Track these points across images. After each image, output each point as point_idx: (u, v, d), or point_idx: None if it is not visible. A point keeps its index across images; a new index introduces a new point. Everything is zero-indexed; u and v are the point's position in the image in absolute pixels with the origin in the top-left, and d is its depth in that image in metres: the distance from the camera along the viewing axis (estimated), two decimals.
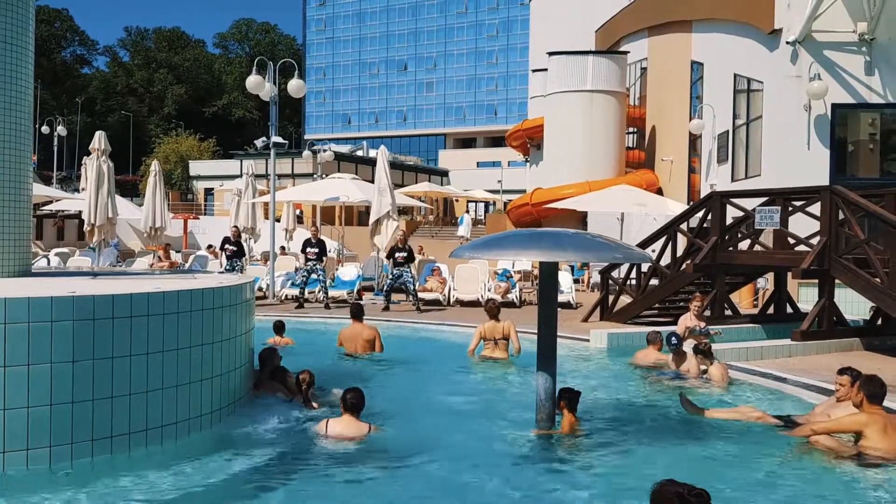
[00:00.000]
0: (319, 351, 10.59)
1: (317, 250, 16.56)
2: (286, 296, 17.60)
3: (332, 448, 6.23)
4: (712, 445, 6.64)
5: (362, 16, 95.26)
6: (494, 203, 56.24)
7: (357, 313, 10.76)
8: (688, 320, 11.20)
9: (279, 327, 10.88)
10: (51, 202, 29.60)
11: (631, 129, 31.53)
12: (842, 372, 6.84)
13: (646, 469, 5.90)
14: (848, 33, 18.03)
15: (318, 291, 16.88)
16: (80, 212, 22.32)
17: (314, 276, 16.54)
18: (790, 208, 12.32)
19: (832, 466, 5.95)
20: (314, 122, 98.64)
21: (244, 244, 19.81)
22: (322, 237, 17.34)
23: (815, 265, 11.08)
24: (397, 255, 16.25)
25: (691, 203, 21.34)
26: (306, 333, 12.34)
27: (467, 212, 51.11)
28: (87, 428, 5.48)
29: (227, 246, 17.62)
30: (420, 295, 17.30)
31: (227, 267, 17.31)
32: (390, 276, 16.46)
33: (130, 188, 65.05)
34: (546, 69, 30.58)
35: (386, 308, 15.87)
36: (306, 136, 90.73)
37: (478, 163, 79.70)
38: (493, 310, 10.42)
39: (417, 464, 6.00)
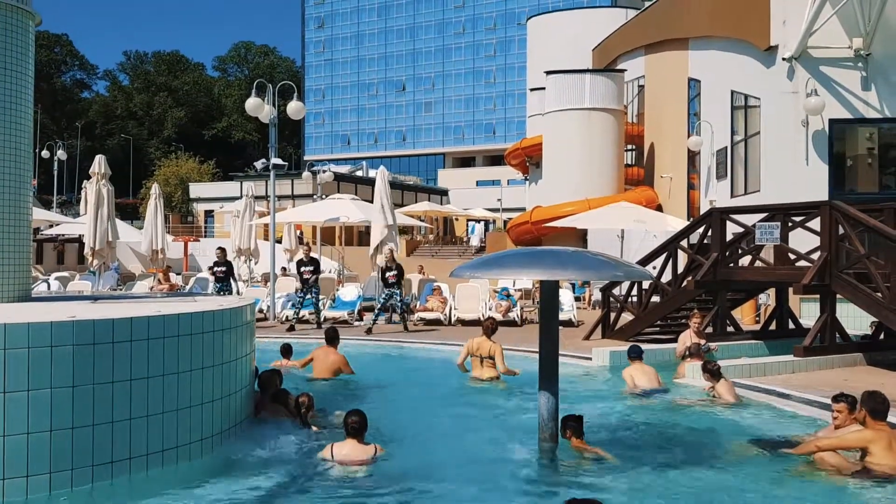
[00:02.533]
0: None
1: (311, 268, 16.50)
2: (287, 317, 17.55)
3: (339, 472, 6.18)
4: (716, 463, 6.59)
5: (360, 37, 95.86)
6: (494, 221, 56.36)
7: (332, 338, 10.64)
8: (688, 338, 11.18)
9: (286, 350, 10.81)
10: (51, 226, 29.64)
11: (629, 147, 31.63)
12: (837, 399, 6.68)
13: (653, 487, 5.86)
14: (844, 49, 18.12)
15: (311, 314, 16.77)
16: (81, 235, 22.37)
17: (309, 297, 16.45)
18: (790, 224, 12.32)
19: (837, 483, 5.91)
20: (313, 143, 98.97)
21: (234, 265, 19.54)
22: (314, 255, 17.22)
23: (816, 280, 11.06)
24: (388, 274, 16.17)
25: (691, 219, 21.35)
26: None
27: (478, 222, 52.19)
28: (87, 453, 5.45)
29: (215, 269, 17.53)
30: (421, 314, 17.26)
31: (215, 290, 17.19)
32: (382, 297, 16.32)
33: (131, 211, 65.17)
34: (544, 88, 30.72)
35: (369, 331, 15.53)
36: (306, 157, 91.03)
37: (477, 181, 79.83)
38: (489, 327, 10.38)
39: (426, 486, 5.95)
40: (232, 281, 17.63)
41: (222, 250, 18.13)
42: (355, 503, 5.63)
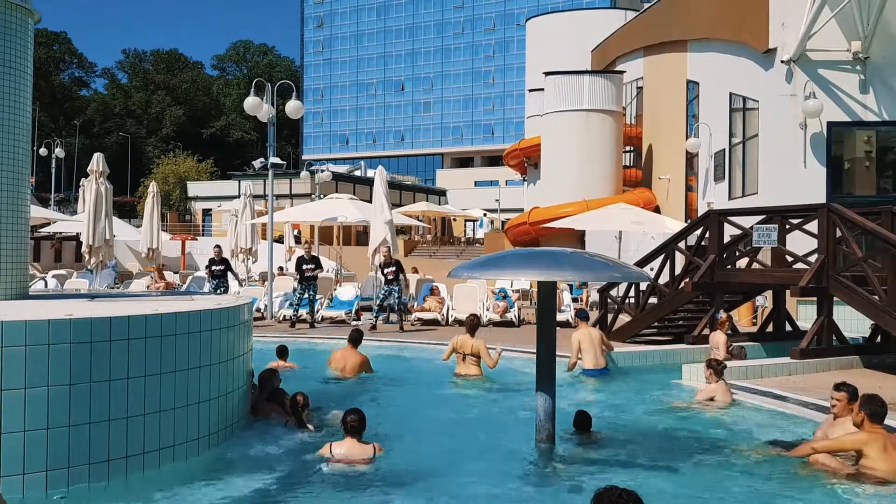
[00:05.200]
0: (317, 372, 10.55)
1: (312, 265, 16.52)
2: (284, 316, 17.54)
3: (338, 471, 6.18)
4: (712, 464, 6.60)
5: (359, 37, 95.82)
6: (493, 222, 56.40)
7: (355, 339, 10.83)
8: (721, 339, 11.31)
9: (282, 351, 10.80)
10: (48, 224, 29.57)
11: (628, 148, 31.64)
12: (838, 388, 6.74)
13: (648, 488, 5.86)
14: (842, 52, 18.16)
15: (307, 313, 16.78)
16: (78, 234, 22.33)
17: (307, 295, 16.45)
18: (787, 226, 12.33)
19: (832, 486, 5.92)
20: (312, 142, 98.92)
21: (233, 264, 19.73)
22: (314, 254, 17.25)
23: (813, 283, 11.07)
24: (386, 270, 16.21)
25: (689, 221, 21.37)
26: (304, 354, 12.27)
27: (484, 215, 52.81)
28: (83, 452, 5.44)
29: (213, 267, 17.62)
30: (418, 314, 17.25)
31: (212, 288, 17.29)
32: (380, 294, 16.39)
33: (129, 209, 65.08)
34: (542, 89, 30.73)
35: (373, 327, 15.69)
36: (304, 157, 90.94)
37: (475, 182, 79.90)
38: (470, 325, 10.37)
39: (424, 485, 5.96)
40: (231, 277, 17.77)
41: (219, 248, 18.22)
42: (353, 502, 5.62)
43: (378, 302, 16.38)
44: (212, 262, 17.79)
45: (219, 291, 17.01)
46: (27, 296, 7.61)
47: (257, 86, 18.07)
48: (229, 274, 18.15)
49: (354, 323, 17.00)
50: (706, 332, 12.88)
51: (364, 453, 6.32)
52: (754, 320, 16.73)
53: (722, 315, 11.89)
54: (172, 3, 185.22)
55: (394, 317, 16.67)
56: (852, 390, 6.64)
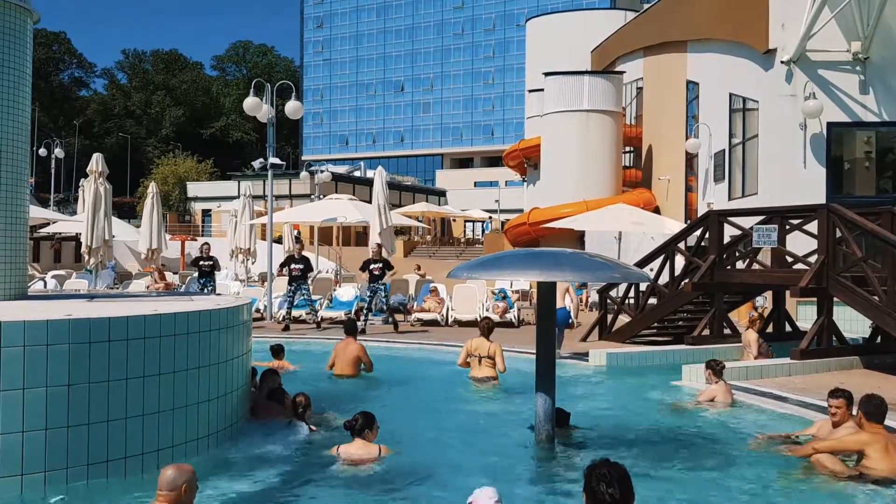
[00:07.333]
0: (315, 372, 10.54)
1: (301, 266, 16.43)
2: (283, 317, 17.52)
3: (342, 471, 6.18)
4: (712, 465, 6.60)
5: (359, 37, 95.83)
6: (491, 220, 56.47)
7: (350, 328, 10.97)
8: (753, 338, 11.41)
9: (278, 350, 10.80)
10: (48, 224, 29.55)
11: (627, 149, 31.62)
12: (834, 395, 6.67)
13: (648, 488, 5.86)
14: (842, 52, 18.15)
15: (307, 314, 16.73)
16: (78, 234, 22.33)
17: (300, 295, 16.35)
18: (787, 226, 12.33)
19: (833, 486, 5.91)
20: (312, 143, 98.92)
21: (233, 265, 19.76)
22: (305, 254, 17.17)
23: (813, 283, 11.06)
24: (373, 266, 16.03)
25: (689, 222, 21.35)
26: (304, 355, 12.27)
27: (490, 218, 53.02)
28: (82, 453, 5.44)
29: (201, 263, 17.63)
30: (418, 315, 17.24)
31: (199, 288, 17.30)
32: (367, 294, 16.24)
33: (128, 210, 65.03)
34: (542, 89, 30.72)
35: (362, 331, 15.52)
36: (304, 157, 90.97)
37: (475, 182, 79.93)
38: (485, 328, 10.38)
39: (428, 486, 5.96)
40: (219, 276, 17.79)
41: (207, 245, 18.31)
42: (356, 502, 5.62)
43: (366, 305, 16.27)
44: (199, 259, 17.82)
45: (207, 290, 16.97)
46: (26, 296, 7.60)
47: (257, 86, 18.06)
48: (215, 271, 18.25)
49: None
50: (706, 332, 12.90)
51: (370, 454, 6.33)
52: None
53: (754, 313, 11.99)
54: (172, 3, 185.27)
55: (398, 317, 16.59)
56: (849, 395, 6.61)
